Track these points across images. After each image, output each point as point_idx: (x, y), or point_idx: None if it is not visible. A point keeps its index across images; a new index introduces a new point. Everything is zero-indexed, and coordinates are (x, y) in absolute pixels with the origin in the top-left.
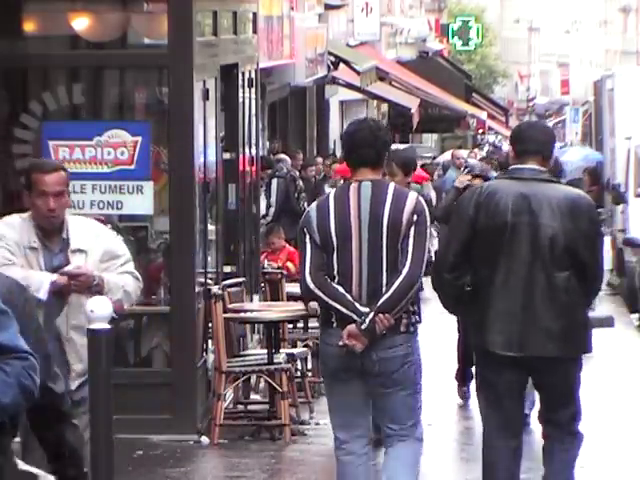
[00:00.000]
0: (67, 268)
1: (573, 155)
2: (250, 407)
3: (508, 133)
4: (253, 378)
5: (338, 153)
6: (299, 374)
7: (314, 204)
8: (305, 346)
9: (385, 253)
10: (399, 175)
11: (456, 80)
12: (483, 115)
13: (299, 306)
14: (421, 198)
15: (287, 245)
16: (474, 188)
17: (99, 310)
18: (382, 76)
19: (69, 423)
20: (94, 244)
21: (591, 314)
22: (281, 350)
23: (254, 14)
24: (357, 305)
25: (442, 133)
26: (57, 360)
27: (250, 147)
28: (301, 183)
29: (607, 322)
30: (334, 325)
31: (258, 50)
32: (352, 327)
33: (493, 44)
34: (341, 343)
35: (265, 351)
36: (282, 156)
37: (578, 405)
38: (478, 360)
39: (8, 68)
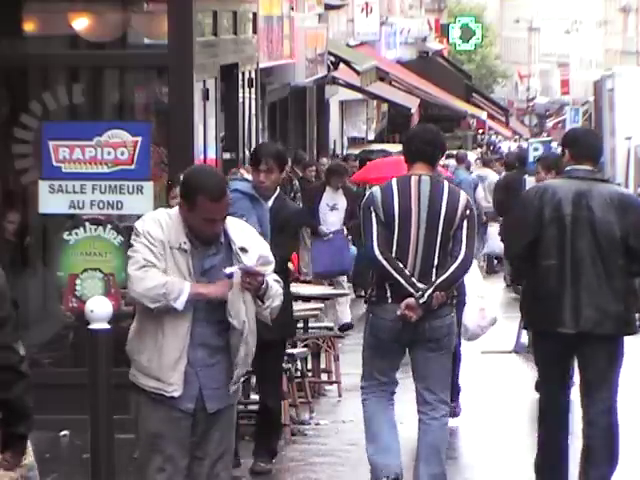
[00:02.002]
0: (247, 265)
1: None
2: (250, 407)
3: (508, 133)
4: (253, 378)
5: (338, 153)
6: (299, 374)
7: (377, 187)
8: (305, 346)
9: (439, 239)
10: (275, 172)
11: (456, 80)
12: (483, 115)
13: (299, 306)
14: (468, 197)
15: None
16: (537, 186)
17: (99, 310)
18: (382, 76)
19: (27, 384)
20: (252, 246)
21: None
22: None
23: (254, 14)
24: (414, 280)
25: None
26: (218, 367)
27: (250, 147)
28: (297, 184)
29: None
30: (389, 301)
31: (258, 50)
32: (411, 300)
33: (493, 44)
34: (399, 313)
35: None
36: None
37: (616, 385)
38: (538, 340)
39: (8, 68)
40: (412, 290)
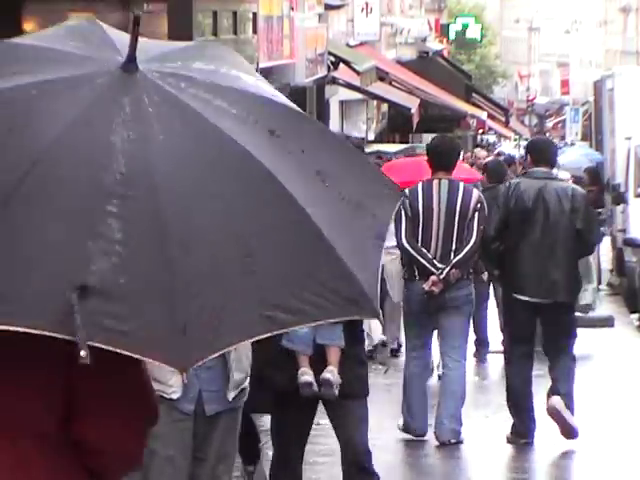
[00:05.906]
0: None
1: (573, 154)
2: None
3: (509, 133)
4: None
5: None
6: None
7: (407, 190)
8: None
9: (456, 229)
10: None
11: (456, 80)
12: (483, 115)
13: None
14: (480, 194)
15: None
16: (506, 184)
17: None
18: (382, 76)
19: None
20: None
21: (591, 314)
22: None
23: (254, 14)
24: (435, 262)
25: (442, 133)
26: (217, 369)
27: None
28: None
29: (607, 322)
30: (417, 279)
31: (258, 50)
32: (434, 277)
33: (493, 44)
34: (426, 288)
35: None
36: None
37: (572, 337)
38: (507, 305)
39: None
40: (433, 269)
